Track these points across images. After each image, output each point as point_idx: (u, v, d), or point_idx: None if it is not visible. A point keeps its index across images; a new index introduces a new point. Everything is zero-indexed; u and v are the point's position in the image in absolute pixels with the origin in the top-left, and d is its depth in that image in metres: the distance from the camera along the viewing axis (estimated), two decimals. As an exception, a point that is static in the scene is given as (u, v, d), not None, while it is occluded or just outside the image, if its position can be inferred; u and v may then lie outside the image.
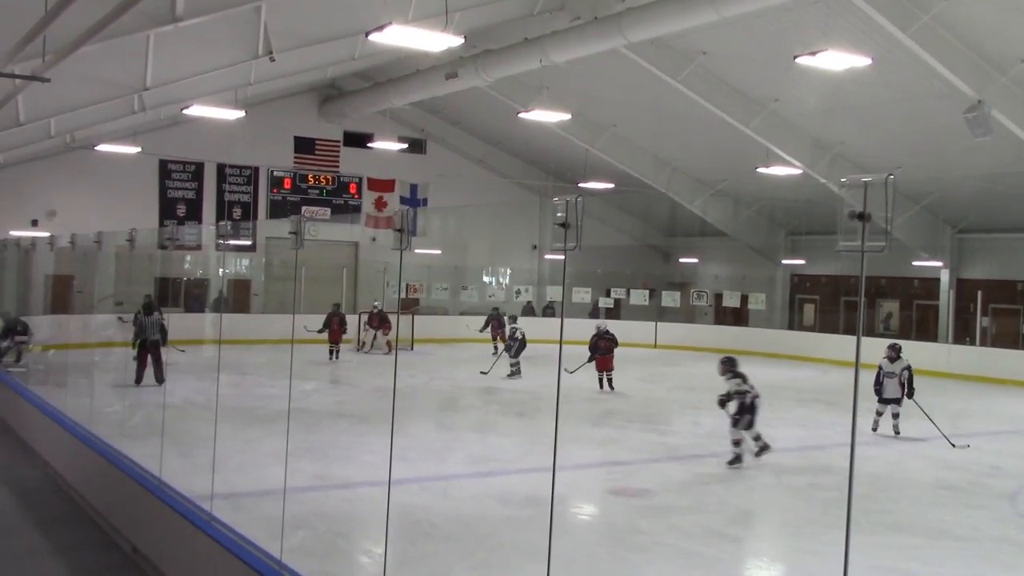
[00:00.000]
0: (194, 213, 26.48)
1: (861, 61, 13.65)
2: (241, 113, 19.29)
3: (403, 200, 29.42)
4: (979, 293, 23.43)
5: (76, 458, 9.46)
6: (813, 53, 13.01)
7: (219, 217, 26.70)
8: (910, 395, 13.08)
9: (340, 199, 28.72)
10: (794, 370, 22.47)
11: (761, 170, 22.06)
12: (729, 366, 11.06)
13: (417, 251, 25.25)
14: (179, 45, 14.13)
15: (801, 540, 8.25)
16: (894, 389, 13.14)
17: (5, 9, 11.30)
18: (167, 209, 26.28)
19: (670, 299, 26.40)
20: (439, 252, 27.17)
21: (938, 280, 25.10)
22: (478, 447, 11.93)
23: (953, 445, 12.35)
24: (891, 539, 8.16)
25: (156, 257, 16.85)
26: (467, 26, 16.13)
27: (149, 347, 14.90)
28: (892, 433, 13.08)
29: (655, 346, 26.99)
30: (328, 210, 28.11)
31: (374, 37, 11.48)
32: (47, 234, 20.29)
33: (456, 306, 27.17)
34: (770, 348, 25.38)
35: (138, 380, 14.79)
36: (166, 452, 7.77)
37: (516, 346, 18.67)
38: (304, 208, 27.45)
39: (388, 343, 22.67)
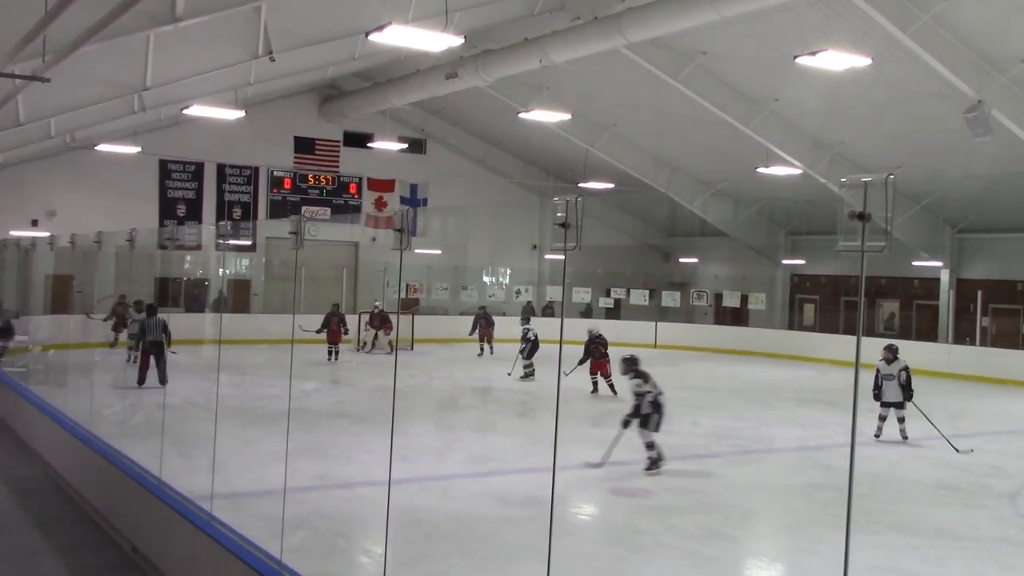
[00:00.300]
0: (194, 213, 26.48)
1: (861, 61, 13.63)
2: (241, 113, 19.30)
3: (403, 200, 29.42)
4: (979, 293, 23.42)
5: (76, 458, 9.46)
6: (813, 53, 12.99)
7: (219, 217, 26.70)
8: (909, 398, 12.58)
9: (340, 199, 28.72)
10: (794, 370, 22.48)
11: (761, 170, 22.06)
12: (630, 365, 10.61)
13: (417, 251, 25.22)
14: (179, 45, 14.13)
15: (801, 540, 8.25)
16: (894, 392, 12.61)
17: (5, 9, 11.31)
18: (167, 209, 26.28)
19: (670, 299, 26.38)
20: (439, 252, 27.15)
21: (938, 280, 25.07)
22: (478, 447, 11.93)
23: (957, 450, 12.06)
24: (891, 539, 8.16)
25: (156, 257, 16.83)
26: (467, 26, 16.14)
27: (152, 348, 14.88)
28: (900, 438, 12.59)
29: (655, 346, 26.98)
30: (328, 210, 28.10)
31: (374, 37, 11.49)
32: (47, 234, 20.31)
33: (456, 306, 27.16)
34: (770, 348, 25.41)
35: (140, 381, 14.77)
36: (166, 452, 7.77)
37: (529, 347, 18.52)
38: (304, 208, 27.44)
39: (390, 343, 22.69)
